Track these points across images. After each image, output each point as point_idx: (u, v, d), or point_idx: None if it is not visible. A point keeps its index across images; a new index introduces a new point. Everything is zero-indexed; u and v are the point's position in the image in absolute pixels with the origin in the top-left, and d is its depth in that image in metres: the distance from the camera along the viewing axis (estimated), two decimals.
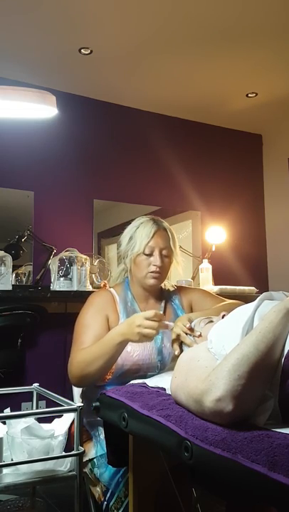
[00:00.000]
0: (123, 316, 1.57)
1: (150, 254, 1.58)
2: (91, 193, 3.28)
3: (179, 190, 3.60)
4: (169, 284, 1.74)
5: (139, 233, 1.60)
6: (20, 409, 2.56)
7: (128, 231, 1.65)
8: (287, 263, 3.77)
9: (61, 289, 2.80)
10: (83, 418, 1.56)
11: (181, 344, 1.37)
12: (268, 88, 3.26)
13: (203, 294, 1.74)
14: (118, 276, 1.74)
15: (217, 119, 3.77)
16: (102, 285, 2.99)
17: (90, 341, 1.49)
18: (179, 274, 1.73)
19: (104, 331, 1.52)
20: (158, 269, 1.58)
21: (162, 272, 1.60)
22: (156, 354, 1.53)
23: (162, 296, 1.70)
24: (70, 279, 2.83)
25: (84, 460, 1.49)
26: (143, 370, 1.52)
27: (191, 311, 1.66)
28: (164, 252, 1.60)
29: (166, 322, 1.36)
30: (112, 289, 1.67)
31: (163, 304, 1.68)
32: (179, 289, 1.74)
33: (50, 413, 1.22)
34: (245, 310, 1.00)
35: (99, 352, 1.41)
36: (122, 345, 1.40)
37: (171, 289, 1.73)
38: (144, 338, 1.33)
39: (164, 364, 1.54)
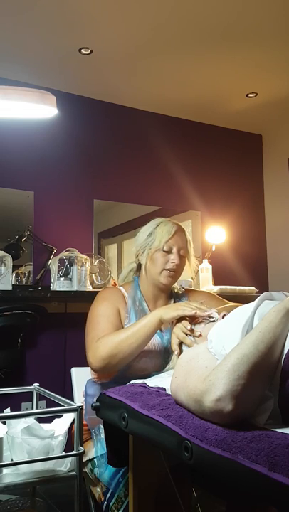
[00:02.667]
0: (131, 315, 1.58)
1: (168, 252, 1.61)
2: (91, 193, 3.28)
3: (179, 190, 3.60)
4: (177, 287, 1.76)
5: (159, 230, 1.62)
6: (20, 409, 2.56)
7: (147, 228, 1.67)
8: (287, 263, 3.77)
9: (61, 289, 2.80)
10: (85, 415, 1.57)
11: (181, 344, 1.37)
12: (268, 88, 3.26)
13: (208, 297, 1.76)
14: (126, 276, 1.75)
15: (217, 119, 3.77)
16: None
17: (108, 329, 1.49)
18: (189, 275, 1.75)
19: (119, 321, 1.54)
20: (175, 267, 1.60)
21: (177, 271, 1.63)
22: (163, 352, 1.54)
23: (171, 297, 1.71)
24: (70, 279, 2.83)
25: (84, 460, 1.49)
26: (148, 370, 1.52)
27: None
28: (181, 252, 1.62)
29: (209, 312, 1.35)
30: (121, 287, 1.68)
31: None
32: (187, 292, 1.77)
33: (50, 413, 1.23)
34: (245, 310, 1.00)
35: (131, 331, 1.43)
36: (156, 324, 1.42)
37: (180, 291, 1.75)
38: (179, 311, 1.37)
39: (169, 363, 1.54)
